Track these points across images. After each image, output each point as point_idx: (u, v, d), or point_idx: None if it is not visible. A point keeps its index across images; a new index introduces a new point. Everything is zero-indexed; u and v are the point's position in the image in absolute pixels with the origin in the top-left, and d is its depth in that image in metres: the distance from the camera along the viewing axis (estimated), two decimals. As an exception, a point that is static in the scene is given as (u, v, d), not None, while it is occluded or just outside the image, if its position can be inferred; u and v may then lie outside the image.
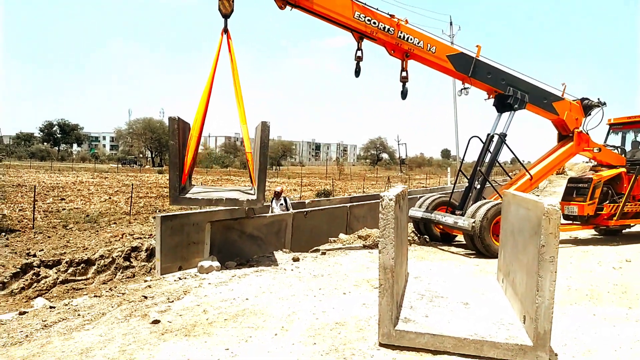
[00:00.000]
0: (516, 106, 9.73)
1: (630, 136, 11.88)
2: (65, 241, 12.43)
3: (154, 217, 11.73)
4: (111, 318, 4.78)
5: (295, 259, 7.76)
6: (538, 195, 13.48)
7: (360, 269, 7.22)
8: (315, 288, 5.98)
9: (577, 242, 10.79)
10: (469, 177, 10.42)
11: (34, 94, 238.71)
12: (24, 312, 5.44)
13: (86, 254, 10.89)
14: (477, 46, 9.53)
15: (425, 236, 10.26)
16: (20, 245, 11.95)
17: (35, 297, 8.76)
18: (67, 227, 14.66)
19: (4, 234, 13.33)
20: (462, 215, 9.13)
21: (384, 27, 8.62)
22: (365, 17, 8.46)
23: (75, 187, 27.85)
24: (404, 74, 9.13)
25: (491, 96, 10.19)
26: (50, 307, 5.55)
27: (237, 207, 8.21)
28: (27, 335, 4.37)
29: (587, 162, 22.54)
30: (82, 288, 9.85)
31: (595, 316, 5.14)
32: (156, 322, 4.57)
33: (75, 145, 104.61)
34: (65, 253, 10.90)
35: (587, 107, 10.62)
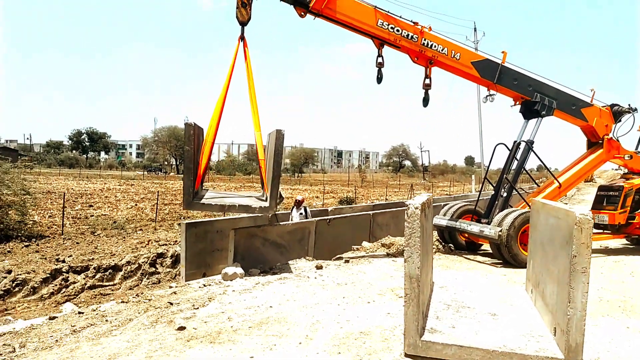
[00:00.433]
0: (543, 113, 9.56)
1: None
2: (93, 247, 12.69)
3: (179, 224, 11.89)
4: (138, 324, 4.85)
5: (319, 267, 7.75)
6: (566, 204, 13.17)
7: (384, 277, 7.16)
8: (339, 296, 5.95)
9: (608, 251, 10.49)
10: (494, 185, 10.26)
11: (64, 103, 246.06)
12: (54, 317, 5.58)
13: (113, 260, 11.11)
14: (502, 52, 9.42)
15: (450, 245, 10.13)
16: (50, 251, 12.26)
17: (64, 302, 8.95)
18: (95, 234, 15.00)
19: (34, 240, 13.73)
20: (488, 223, 8.98)
21: (408, 35, 8.59)
22: (388, 25, 8.45)
23: (102, 194, 28.47)
24: (427, 81, 9.08)
25: (517, 103, 10.04)
26: (79, 313, 5.68)
27: (260, 215, 8.25)
28: (57, 340, 4.47)
29: (616, 170, 21.94)
30: (109, 294, 10.04)
31: (629, 328, 4.98)
32: (182, 328, 4.61)
33: (102, 153, 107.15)
34: (93, 259, 11.13)
35: (617, 113, 10.37)
